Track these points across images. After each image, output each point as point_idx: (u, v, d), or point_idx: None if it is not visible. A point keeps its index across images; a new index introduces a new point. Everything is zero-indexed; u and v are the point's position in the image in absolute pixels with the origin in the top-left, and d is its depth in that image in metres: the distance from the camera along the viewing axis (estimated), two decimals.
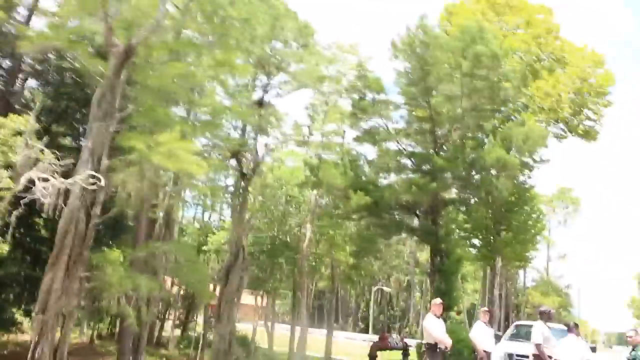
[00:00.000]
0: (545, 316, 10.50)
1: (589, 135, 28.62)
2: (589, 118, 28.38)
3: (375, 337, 37.50)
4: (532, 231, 29.63)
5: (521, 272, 66.45)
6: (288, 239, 29.36)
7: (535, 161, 27.04)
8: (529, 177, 28.50)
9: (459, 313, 64.39)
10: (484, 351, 11.37)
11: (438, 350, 9.93)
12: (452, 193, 27.15)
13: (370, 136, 25.08)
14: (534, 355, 10.32)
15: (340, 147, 26.35)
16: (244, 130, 22.34)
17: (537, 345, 10.12)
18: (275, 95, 21.53)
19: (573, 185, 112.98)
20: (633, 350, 9.71)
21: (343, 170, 23.27)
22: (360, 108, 23.97)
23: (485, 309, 12.48)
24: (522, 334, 14.25)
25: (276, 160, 28.41)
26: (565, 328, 10.15)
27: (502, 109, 23.55)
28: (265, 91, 21.26)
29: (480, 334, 11.49)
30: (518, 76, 22.96)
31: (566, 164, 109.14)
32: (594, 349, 15.24)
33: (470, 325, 57.83)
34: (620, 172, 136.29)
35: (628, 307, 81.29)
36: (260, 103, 20.94)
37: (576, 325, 10.07)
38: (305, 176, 25.26)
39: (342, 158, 24.75)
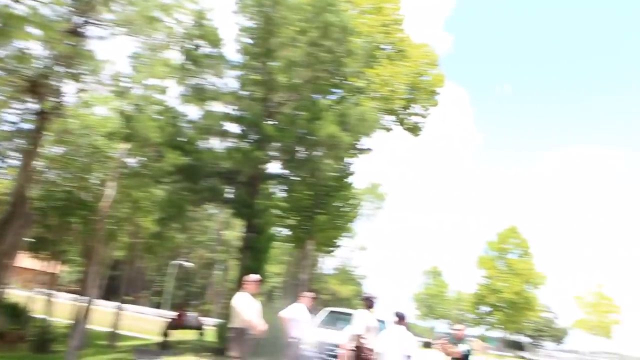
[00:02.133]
0: (369, 303, 9.35)
1: (414, 130, 29.23)
2: (416, 114, 28.90)
3: (170, 314, 35.01)
4: (347, 218, 29.49)
5: (322, 259, 68.77)
6: (86, 197, 25.38)
7: (358, 150, 26.82)
8: (351, 164, 28.31)
9: (259, 295, 64.40)
10: (297, 339, 9.91)
11: (248, 336, 8.04)
12: (275, 168, 25.95)
13: (197, 94, 22.57)
14: (353, 346, 9.08)
15: (162, 104, 23.28)
16: (51, 62, 18.37)
17: (357, 336, 8.87)
18: (97, 37, 18.13)
19: (385, 180, 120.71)
20: (458, 344, 9.03)
21: (161, 124, 20.43)
22: (192, 59, 21.31)
23: (313, 294, 11.00)
24: (334, 322, 13.21)
25: (85, 104, 24.36)
26: (395, 319, 9.02)
27: (341, 85, 22.59)
28: (85, 22, 17.69)
29: (298, 319, 10.03)
30: (364, 55, 22.16)
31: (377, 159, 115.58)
32: (428, 344, 14.76)
33: (271, 307, 58.06)
34: (430, 171, 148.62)
35: (413, 300, 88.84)
36: (76, 33, 17.32)
37: (404, 316, 9.05)
38: (116, 126, 21.79)
39: (162, 113, 21.83)
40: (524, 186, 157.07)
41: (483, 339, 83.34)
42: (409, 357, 8.38)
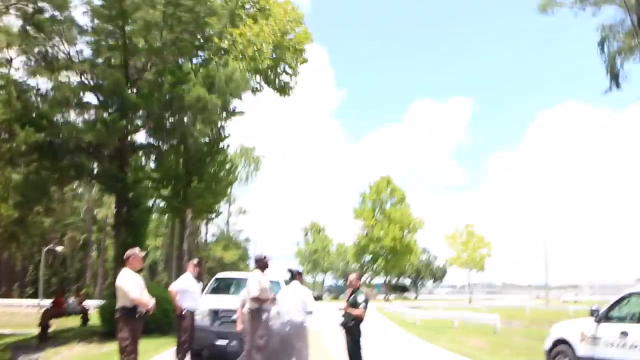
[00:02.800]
0: (263, 264, 9.14)
1: (284, 90, 28.87)
2: (286, 73, 28.57)
3: (46, 303, 32.83)
4: (224, 183, 28.89)
5: (203, 227, 67.74)
6: None
7: (230, 113, 26.18)
8: (223, 128, 27.60)
9: (140, 270, 62.24)
10: (188, 310, 9.54)
11: (138, 314, 7.57)
12: (143, 139, 24.66)
13: (46, 63, 20.64)
14: (249, 309, 8.87)
15: (5, 78, 21.00)
16: None
17: (254, 299, 8.69)
18: None
19: (257, 143, 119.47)
20: (352, 294, 9.04)
21: (7, 98, 18.50)
22: (36, 24, 19.34)
23: (196, 260, 10.54)
24: (225, 287, 12.88)
25: None
26: (290, 276, 8.84)
27: (205, 46, 21.71)
28: None
29: (186, 290, 9.63)
30: (226, 14, 21.33)
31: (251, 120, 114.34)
32: (318, 297, 14.76)
33: (155, 281, 56.32)
34: (299, 129, 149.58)
35: (296, 257, 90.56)
36: None
37: (299, 272, 8.86)
38: None
39: (6, 87, 19.70)
40: (387, 140, 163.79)
41: (369, 285, 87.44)
42: (310, 312, 8.25)
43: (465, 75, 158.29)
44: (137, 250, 8.22)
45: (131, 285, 7.61)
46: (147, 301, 7.69)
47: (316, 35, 36.90)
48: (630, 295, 8.57)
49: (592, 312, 8.76)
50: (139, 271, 8.12)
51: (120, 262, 8.43)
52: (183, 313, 9.50)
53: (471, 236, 73.63)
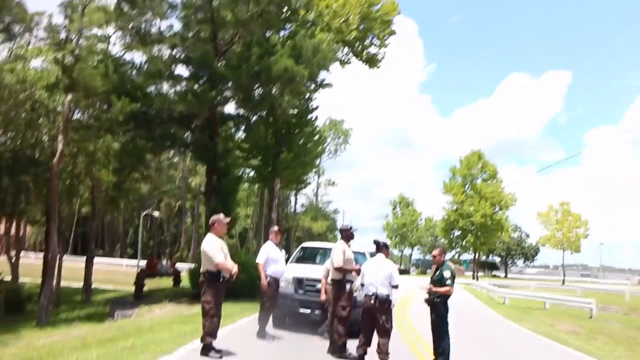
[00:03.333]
0: (348, 234, 8.98)
1: (372, 61, 28.46)
2: (373, 44, 28.08)
3: (143, 263, 34.72)
4: (312, 154, 28.99)
5: (292, 197, 68.82)
6: (36, 154, 24.36)
7: (318, 85, 26.09)
8: (311, 99, 27.58)
9: (231, 237, 64.57)
10: (272, 277, 9.59)
11: (222, 279, 7.66)
12: (232, 109, 25.15)
13: (140, 38, 21.38)
14: (333, 280, 8.78)
15: (103, 53, 21.97)
16: None
17: (338, 269, 8.57)
18: None
19: (346, 116, 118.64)
20: (437, 270, 8.68)
21: (104, 71, 19.33)
22: (129, 1, 20.05)
23: (276, 228, 10.53)
24: (310, 257, 12.89)
25: (19, 58, 22.96)
26: (375, 248, 8.58)
27: (292, 18, 21.61)
28: None
29: (269, 258, 9.68)
30: None
31: (340, 94, 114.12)
32: (405, 271, 14.47)
33: (243, 249, 58.13)
34: (387, 102, 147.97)
35: (384, 230, 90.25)
36: None
37: (386, 245, 8.54)
38: (56, 77, 20.59)
39: (104, 61, 20.60)
40: (480, 114, 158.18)
41: (456, 262, 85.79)
42: (396, 286, 8.02)
43: (563, 48, 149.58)
44: (221, 216, 8.26)
45: (215, 251, 7.69)
46: (231, 267, 7.75)
47: (404, 7, 35.81)
48: None
49: None
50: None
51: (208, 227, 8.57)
52: (268, 280, 9.56)
53: (567, 215, 70.04)
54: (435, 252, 8.89)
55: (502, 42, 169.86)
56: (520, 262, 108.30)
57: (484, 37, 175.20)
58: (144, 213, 49.50)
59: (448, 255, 72.06)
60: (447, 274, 8.47)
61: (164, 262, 31.47)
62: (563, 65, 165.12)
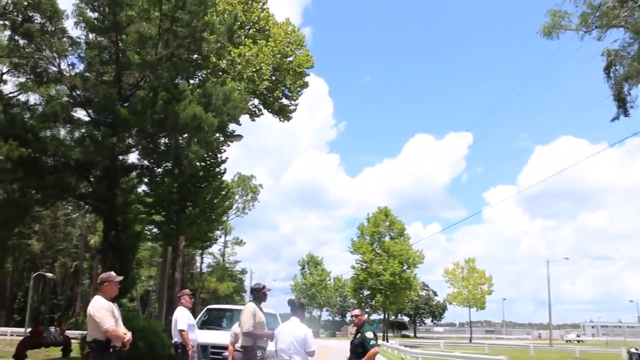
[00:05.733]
0: (260, 295, 7.89)
1: (283, 113, 27.99)
2: (285, 96, 27.69)
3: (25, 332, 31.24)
4: (219, 210, 27.74)
5: (198, 257, 66.09)
6: None
7: (227, 137, 25.18)
8: (221, 152, 26.56)
9: (132, 300, 60.56)
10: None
11: (112, 349, 6.30)
12: (135, 159, 23.58)
13: (35, 75, 19.64)
14: (242, 346, 7.59)
15: None
16: None
17: (248, 334, 7.44)
18: None
19: (255, 172, 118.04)
20: (359, 332, 7.78)
21: None
22: (25, 34, 18.37)
23: (188, 291, 9.34)
24: (216, 320, 11.59)
25: None
26: (290, 309, 7.45)
27: (202, 65, 20.76)
28: None
29: (189, 324, 8.48)
30: (224, 30, 20.39)
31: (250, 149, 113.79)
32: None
33: (144, 313, 54.49)
34: (301, 159, 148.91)
35: (292, 291, 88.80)
36: None
37: (302, 305, 7.44)
38: None
39: None
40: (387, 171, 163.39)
41: (368, 322, 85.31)
42: (312, 353, 6.92)
43: (463, 110, 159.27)
44: (112, 274, 7.01)
45: (104, 315, 6.38)
46: (123, 334, 6.43)
47: (316, 67, 36.18)
48: None
49: (631, 355, 7.61)
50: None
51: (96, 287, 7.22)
52: (190, 349, 8.33)
53: (472, 271, 72.04)
54: (357, 311, 8.16)
55: (408, 103, 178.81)
56: (428, 321, 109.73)
57: (392, 97, 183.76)
58: (35, 274, 45.48)
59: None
60: (369, 334, 7.75)
61: (52, 329, 28.25)
62: (464, 126, 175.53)
